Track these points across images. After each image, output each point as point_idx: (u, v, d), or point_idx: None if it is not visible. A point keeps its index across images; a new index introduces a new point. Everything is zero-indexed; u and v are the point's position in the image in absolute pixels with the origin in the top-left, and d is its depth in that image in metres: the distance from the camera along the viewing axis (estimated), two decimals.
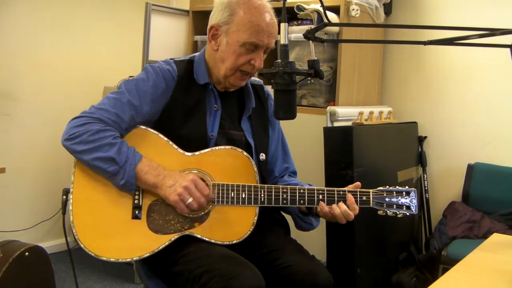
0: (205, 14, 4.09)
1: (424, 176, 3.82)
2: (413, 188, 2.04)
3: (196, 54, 2.22)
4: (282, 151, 2.36)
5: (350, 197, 2.00)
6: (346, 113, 3.27)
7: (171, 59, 2.17)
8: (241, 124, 2.19)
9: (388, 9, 3.79)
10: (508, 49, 1.65)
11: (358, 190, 2.02)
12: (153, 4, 3.89)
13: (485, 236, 3.20)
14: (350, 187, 2.04)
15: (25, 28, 4.13)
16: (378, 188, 2.03)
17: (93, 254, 1.88)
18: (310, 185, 2.20)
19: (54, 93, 4.34)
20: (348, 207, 1.99)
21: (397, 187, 2.04)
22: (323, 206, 2.00)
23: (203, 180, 1.97)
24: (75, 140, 1.91)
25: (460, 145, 3.76)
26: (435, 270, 3.41)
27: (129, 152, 1.92)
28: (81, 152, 1.91)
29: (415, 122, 3.87)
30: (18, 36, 4.10)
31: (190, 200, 1.89)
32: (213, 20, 2.10)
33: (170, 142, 2.01)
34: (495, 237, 2.11)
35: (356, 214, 1.99)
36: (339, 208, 1.98)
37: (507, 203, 3.42)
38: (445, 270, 2.52)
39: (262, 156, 2.18)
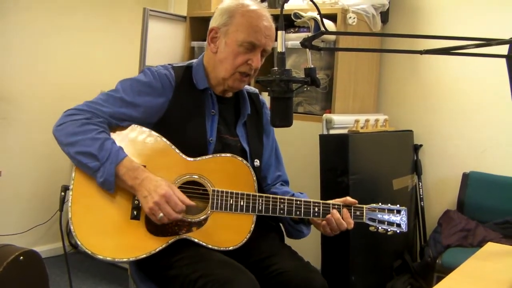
0: (203, 20, 4.11)
1: (419, 184, 3.83)
2: (404, 207, 2.10)
3: (194, 60, 2.24)
4: (276, 159, 2.38)
5: (345, 211, 2.04)
6: (342, 120, 3.28)
7: (169, 64, 2.19)
8: (236, 130, 2.20)
9: (385, 17, 3.80)
10: (504, 59, 1.66)
11: (352, 205, 2.06)
12: (150, 10, 3.90)
13: (479, 245, 3.21)
14: (339, 201, 2.08)
15: (22, 32, 4.13)
16: (372, 205, 2.08)
17: (89, 252, 1.88)
18: (301, 193, 2.23)
19: (50, 97, 4.34)
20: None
21: (389, 205, 2.09)
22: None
23: (203, 186, 1.98)
24: (62, 131, 1.95)
25: (456, 154, 3.76)
26: (429, 279, 3.41)
27: (112, 150, 1.92)
28: (67, 144, 1.94)
29: (411, 131, 3.87)
30: (15, 40, 4.10)
31: (161, 215, 1.87)
32: (213, 23, 2.15)
33: (173, 146, 2.03)
34: (490, 246, 2.12)
35: (351, 228, 2.04)
36: (332, 217, 2.02)
37: (501, 212, 3.43)
38: (439, 279, 2.53)
39: (257, 162, 2.20)
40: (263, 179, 2.32)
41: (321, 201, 2.04)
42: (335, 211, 2.03)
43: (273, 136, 2.39)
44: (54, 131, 1.98)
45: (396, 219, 2.07)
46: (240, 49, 2.06)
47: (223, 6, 2.13)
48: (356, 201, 2.08)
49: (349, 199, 2.08)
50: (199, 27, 4.14)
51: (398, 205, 2.09)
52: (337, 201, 2.07)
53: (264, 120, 2.32)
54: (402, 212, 2.08)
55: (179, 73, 2.15)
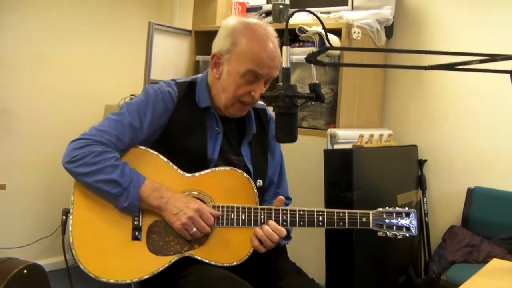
0: (207, 34, 4.12)
1: (423, 199, 3.81)
2: (412, 209, 2.04)
3: (199, 76, 2.21)
4: (278, 176, 2.35)
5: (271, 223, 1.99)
6: (346, 135, 3.28)
7: (172, 80, 2.17)
8: (241, 149, 2.18)
9: (389, 32, 3.81)
10: (508, 75, 1.66)
11: (358, 211, 2.01)
12: (156, 23, 3.92)
13: (484, 261, 3.19)
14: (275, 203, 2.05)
15: (26, 45, 4.15)
16: (378, 210, 2.03)
17: (92, 275, 1.88)
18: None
19: (55, 110, 4.36)
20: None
21: (397, 208, 2.04)
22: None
23: (203, 202, 1.97)
24: (77, 162, 1.91)
25: (460, 169, 3.75)
26: None
27: (132, 174, 1.92)
28: (84, 174, 1.91)
29: (415, 146, 3.87)
30: (19, 52, 4.12)
31: (194, 230, 1.90)
32: (215, 47, 2.10)
33: (170, 163, 2.01)
34: (495, 263, 2.10)
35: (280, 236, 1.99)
36: (262, 230, 1.98)
37: (506, 228, 3.41)
38: None
39: (259, 183, 2.16)
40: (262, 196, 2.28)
41: (325, 210, 2.01)
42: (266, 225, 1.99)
43: (279, 152, 2.35)
44: (67, 164, 1.93)
45: (405, 222, 2.01)
46: (242, 80, 2.02)
47: (228, 26, 2.08)
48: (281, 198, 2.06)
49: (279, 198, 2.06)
50: (204, 41, 4.15)
51: (406, 208, 2.04)
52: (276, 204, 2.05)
53: (270, 136, 2.28)
54: (411, 215, 2.02)
55: (182, 89, 2.12)
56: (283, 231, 1.98)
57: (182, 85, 2.14)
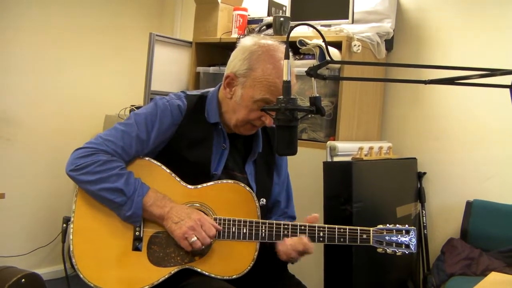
0: (208, 46, 4.14)
1: (422, 212, 3.81)
2: (412, 227, 2.04)
3: (210, 90, 2.20)
4: (286, 196, 2.35)
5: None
6: (346, 148, 3.28)
7: (182, 92, 2.17)
8: (245, 167, 2.18)
9: (389, 45, 3.82)
10: (508, 89, 1.67)
11: (358, 228, 2.01)
12: (157, 35, 3.93)
13: (483, 274, 3.19)
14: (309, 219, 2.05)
15: (28, 54, 4.16)
16: (378, 227, 2.03)
17: (92, 285, 1.88)
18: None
19: (55, 120, 4.37)
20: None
21: (397, 225, 2.04)
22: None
23: (205, 214, 1.97)
24: (82, 170, 1.92)
25: (459, 182, 3.76)
26: None
27: (136, 183, 1.93)
28: (88, 182, 1.91)
29: (415, 158, 3.87)
30: (21, 61, 4.13)
31: (194, 239, 1.89)
32: (230, 67, 2.08)
33: (173, 174, 2.02)
34: (494, 276, 2.10)
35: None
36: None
37: (505, 240, 3.41)
38: None
39: (263, 201, 2.16)
40: (269, 215, 2.28)
41: (326, 225, 2.01)
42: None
43: (285, 171, 2.35)
44: (71, 172, 1.94)
45: (405, 239, 2.01)
46: (255, 105, 2.01)
47: (246, 48, 2.05)
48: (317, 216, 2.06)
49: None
50: (204, 52, 4.17)
51: (406, 225, 2.05)
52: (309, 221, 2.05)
53: (277, 155, 2.27)
54: (411, 233, 2.02)
55: (192, 102, 2.11)
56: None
57: (192, 98, 2.14)
